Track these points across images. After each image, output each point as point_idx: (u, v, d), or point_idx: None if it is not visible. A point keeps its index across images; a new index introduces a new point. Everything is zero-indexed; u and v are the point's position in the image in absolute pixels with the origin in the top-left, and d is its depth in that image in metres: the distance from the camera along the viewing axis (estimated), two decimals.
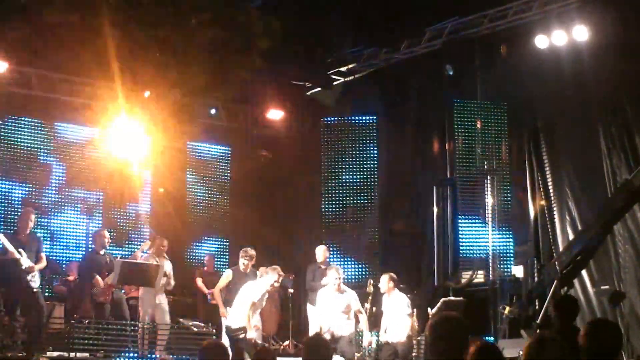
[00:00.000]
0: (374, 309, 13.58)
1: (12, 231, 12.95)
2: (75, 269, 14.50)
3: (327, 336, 12.01)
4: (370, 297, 13.58)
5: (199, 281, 15.71)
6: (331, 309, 12.31)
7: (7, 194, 15.55)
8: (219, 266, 16.67)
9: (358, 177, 17.46)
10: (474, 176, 15.84)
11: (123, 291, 13.89)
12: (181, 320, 14.04)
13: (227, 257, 17.31)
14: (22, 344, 11.90)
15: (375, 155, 17.46)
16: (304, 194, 18.21)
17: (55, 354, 12.13)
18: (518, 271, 15.26)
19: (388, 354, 12.81)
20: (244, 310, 11.60)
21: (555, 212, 14.76)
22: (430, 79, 16.35)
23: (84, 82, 15.95)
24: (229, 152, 18.26)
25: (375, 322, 13.85)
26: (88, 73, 14.73)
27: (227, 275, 13.21)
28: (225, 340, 12.25)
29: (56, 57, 14.26)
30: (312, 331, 13.08)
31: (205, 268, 16.14)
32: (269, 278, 12.01)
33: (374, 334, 13.31)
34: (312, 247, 15.08)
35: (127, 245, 15.95)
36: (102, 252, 13.25)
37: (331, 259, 15.20)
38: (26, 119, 15.95)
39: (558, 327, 8.03)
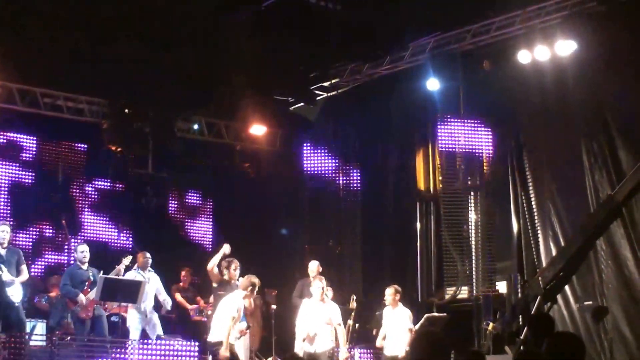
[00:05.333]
0: (357, 325, 13.52)
1: None
2: (57, 283, 14.35)
3: (308, 345, 12.02)
4: (352, 314, 13.53)
5: (178, 296, 15.55)
6: (313, 319, 12.25)
7: None
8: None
9: (341, 192, 17.42)
10: (458, 192, 15.83)
11: (106, 306, 13.73)
12: (163, 336, 13.90)
13: None
14: None
15: (358, 170, 17.43)
16: (286, 209, 18.15)
17: None
18: (502, 287, 15.26)
19: None
20: (224, 324, 11.50)
21: (538, 228, 14.73)
22: (413, 94, 16.34)
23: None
24: (210, 167, 18.23)
25: (357, 338, 13.82)
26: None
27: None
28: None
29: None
30: (297, 346, 12.99)
31: (182, 283, 15.96)
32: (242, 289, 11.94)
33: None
34: (294, 262, 15.00)
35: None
36: (84, 267, 13.09)
37: None
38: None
39: (532, 344, 8.01)
